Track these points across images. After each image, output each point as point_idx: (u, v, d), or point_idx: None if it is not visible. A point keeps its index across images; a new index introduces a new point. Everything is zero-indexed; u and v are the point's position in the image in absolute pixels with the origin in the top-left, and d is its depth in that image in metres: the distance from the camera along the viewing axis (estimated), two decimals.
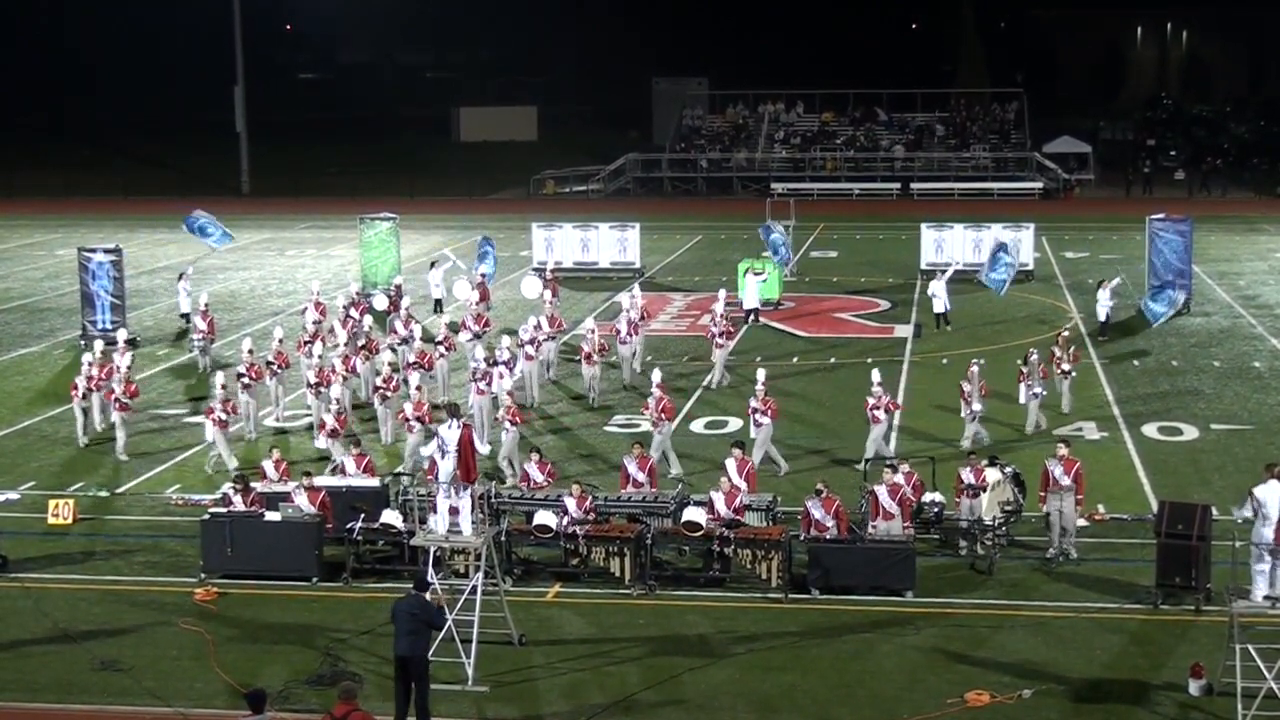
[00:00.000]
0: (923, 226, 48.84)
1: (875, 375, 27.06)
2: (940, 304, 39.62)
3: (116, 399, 28.26)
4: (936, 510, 22.62)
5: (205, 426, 27.56)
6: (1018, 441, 28.06)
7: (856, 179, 78.21)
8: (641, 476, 23.10)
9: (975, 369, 28.04)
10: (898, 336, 39.15)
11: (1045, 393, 29.07)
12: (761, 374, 27.43)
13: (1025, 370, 29.01)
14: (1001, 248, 39.27)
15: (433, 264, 43.48)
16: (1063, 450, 22.26)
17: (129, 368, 29.70)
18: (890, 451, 26.42)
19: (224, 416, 27.03)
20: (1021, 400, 29.04)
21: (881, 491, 21.45)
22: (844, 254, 55.25)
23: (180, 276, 41.38)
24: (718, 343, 33.03)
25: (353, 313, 35.59)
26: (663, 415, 26.23)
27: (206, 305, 35.96)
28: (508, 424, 26.23)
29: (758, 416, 26.23)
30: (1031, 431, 28.61)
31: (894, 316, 41.84)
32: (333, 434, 26.82)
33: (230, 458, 27.12)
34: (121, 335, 32.74)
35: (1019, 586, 21.04)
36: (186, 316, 39.49)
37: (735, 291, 41.27)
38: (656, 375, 27.55)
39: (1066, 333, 31.72)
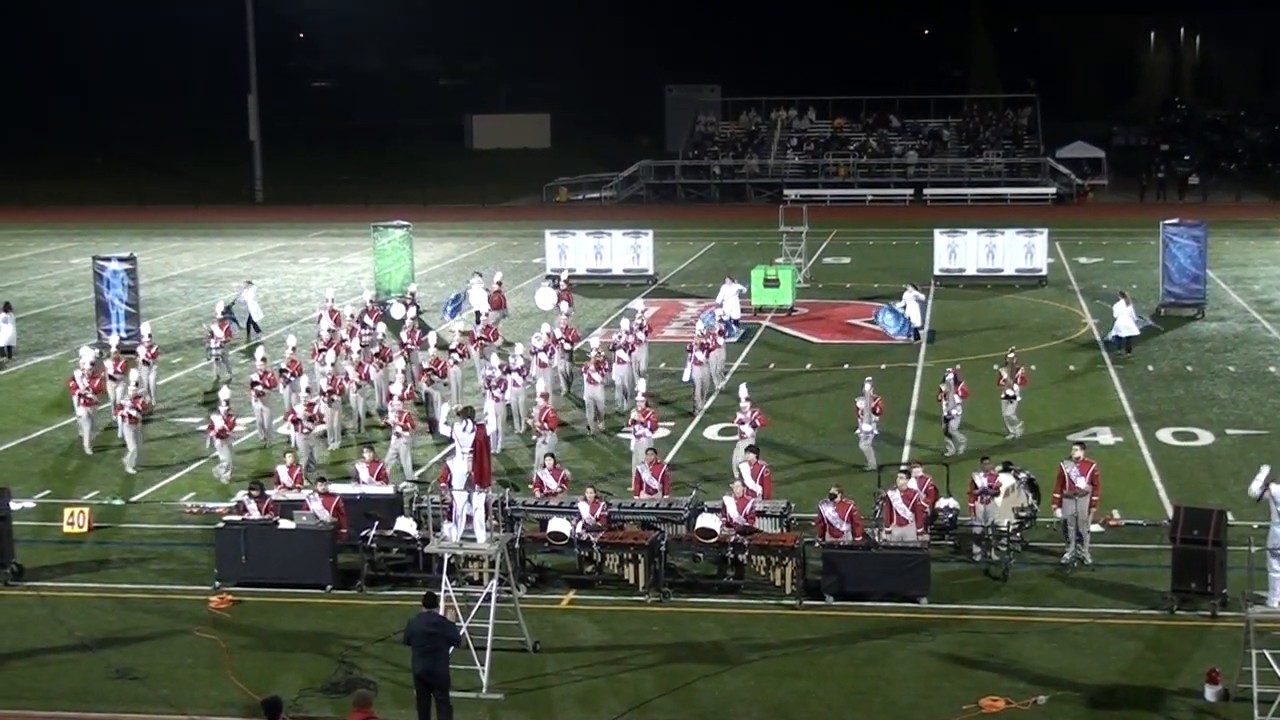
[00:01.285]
0: (936, 232, 48.80)
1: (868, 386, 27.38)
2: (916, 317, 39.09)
3: (126, 413, 28.15)
4: (951, 516, 22.58)
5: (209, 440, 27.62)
6: (1030, 445, 27.97)
7: (869, 185, 78.17)
8: (655, 483, 23.09)
9: (951, 375, 28.37)
10: (910, 343, 39.06)
11: (959, 414, 27.99)
12: (744, 389, 27.16)
13: (943, 389, 28.04)
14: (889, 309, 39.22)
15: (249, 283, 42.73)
16: (1079, 452, 22.19)
17: (137, 382, 29.59)
18: (873, 460, 26.37)
19: (223, 427, 27.12)
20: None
21: (895, 497, 21.41)
22: (857, 260, 55.21)
23: (249, 284, 41.30)
24: (695, 358, 31.76)
25: (367, 320, 35.68)
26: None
27: (226, 311, 35.94)
28: (540, 428, 26.41)
29: (744, 429, 26.09)
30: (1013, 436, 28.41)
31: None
32: (295, 422, 26.98)
33: (226, 471, 27.17)
34: (141, 349, 32.68)
35: (1034, 592, 21.00)
36: (252, 324, 39.73)
37: (747, 297, 41.17)
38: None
39: (1013, 354, 30.14)
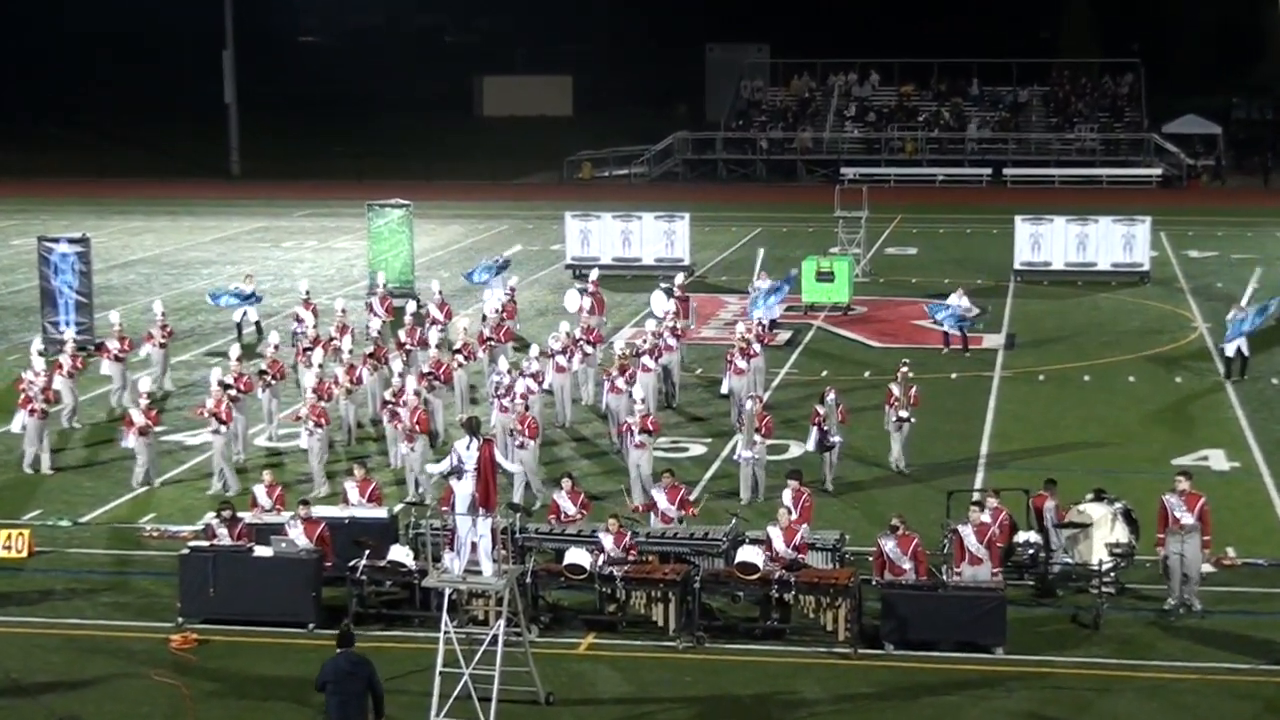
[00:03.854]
0: (1017, 220, 48.65)
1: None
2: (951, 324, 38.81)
3: (138, 426, 27.95)
4: (1031, 552, 22.47)
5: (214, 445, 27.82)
6: (1130, 469, 27.83)
7: (940, 163, 77.97)
8: (672, 510, 23.03)
9: (905, 369, 28.73)
10: (986, 348, 38.96)
11: (842, 440, 27.83)
12: (749, 404, 27.39)
13: (820, 411, 27.67)
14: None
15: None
16: (1184, 484, 22.05)
17: (150, 393, 29.54)
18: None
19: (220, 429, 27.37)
20: (809, 445, 27.76)
21: (967, 530, 21.32)
22: (924, 251, 55.07)
23: (247, 278, 41.26)
24: (735, 366, 31.52)
25: (378, 309, 35.94)
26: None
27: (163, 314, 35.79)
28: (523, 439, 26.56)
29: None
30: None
31: (983, 325, 41.61)
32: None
33: (231, 478, 27.37)
34: (113, 341, 33.00)
35: (1131, 643, 20.86)
36: (258, 325, 39.79)
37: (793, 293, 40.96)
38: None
39: (905, 367, 29.50)
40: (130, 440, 28.18)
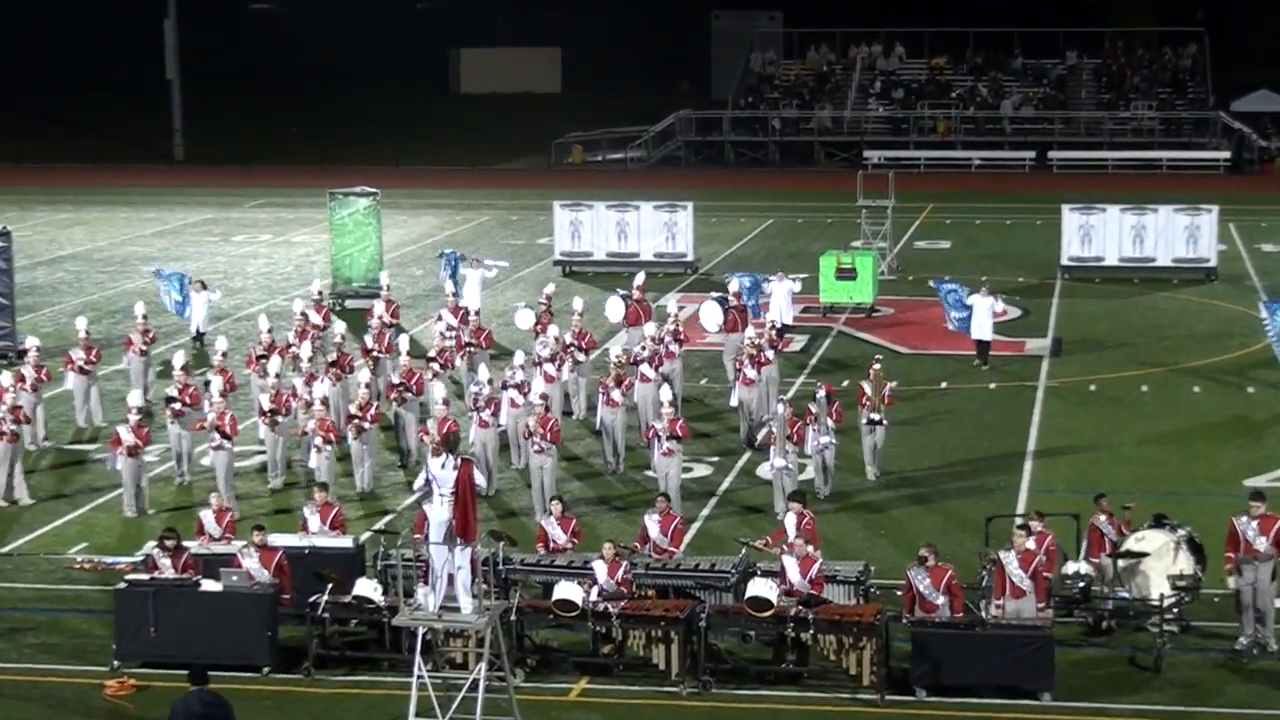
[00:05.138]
0: (1065, 209, 48.63)
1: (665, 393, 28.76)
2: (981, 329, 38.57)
3: (126, 445, 27.77)
4: (1083, 585, 22.47)
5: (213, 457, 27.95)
6: (1194, 489, 27.84)
7: (977, 146, 77.96)
8: (664, 540, 23.07)
9: (877, 367, 29.43)
10: (1029, 354, 38.98)
11: (834, 442, 28.26)
12: (667, 391, 28.85)
13: (812, 410, 28.09)
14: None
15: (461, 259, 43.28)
16: (1259, 507, 22.08)
17: (139, 408, 28.87)
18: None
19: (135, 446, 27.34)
20: (808, 449, 27.99)
21: (1009, 560, 21.31)
22: (959, 245, 55.11)
23: (203, 286, 41.02)
24: (745, 375, 31.56)
25: (314, 318, 35.73)
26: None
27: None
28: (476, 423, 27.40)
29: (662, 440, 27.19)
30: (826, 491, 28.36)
31: (1026, 328, 41.67)
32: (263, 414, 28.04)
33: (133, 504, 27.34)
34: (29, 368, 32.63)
35: (1197, 688, 20.88)
36: (201, 336, 39.66)
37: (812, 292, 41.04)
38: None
39: (878, 365, 30.01)
40: (119, 463, 28.09)
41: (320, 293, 38.80)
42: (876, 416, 29.10)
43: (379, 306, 36.66)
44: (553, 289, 38.49)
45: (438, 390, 29.43)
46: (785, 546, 22.04)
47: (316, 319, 36.02)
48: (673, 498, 26.50)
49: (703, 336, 39.74)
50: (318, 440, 27.85)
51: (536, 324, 34.46)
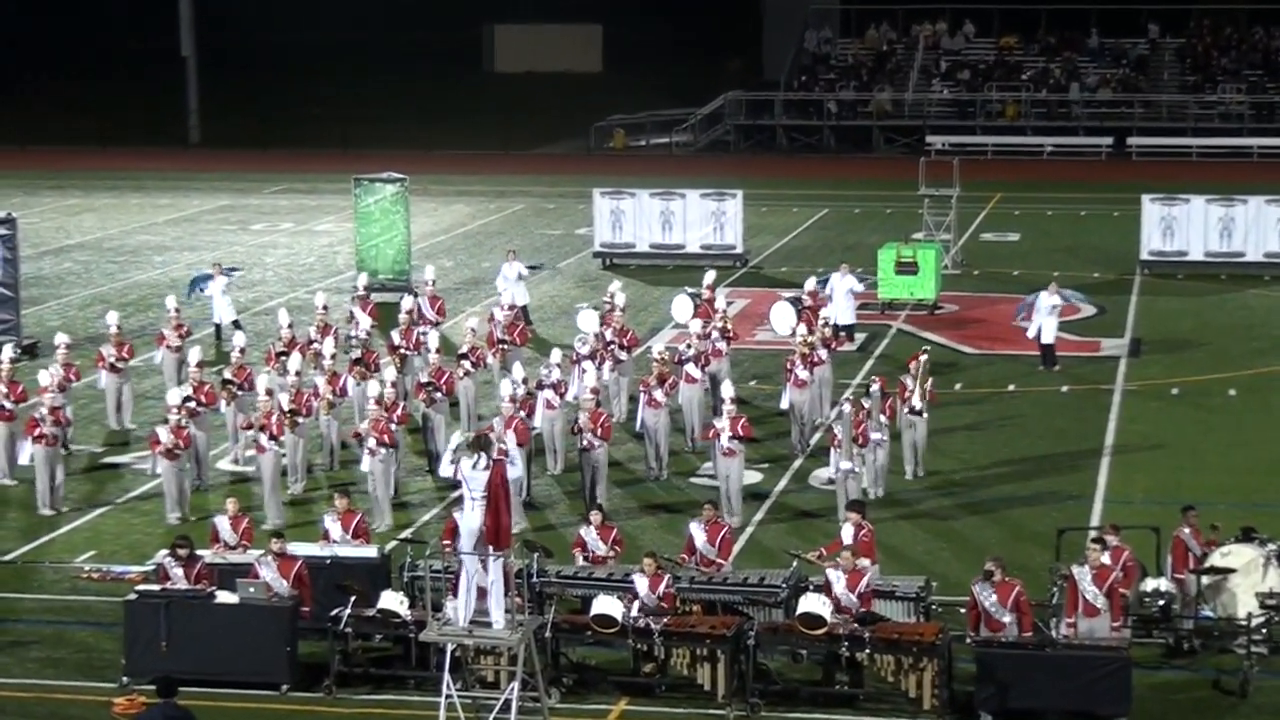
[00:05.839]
0: (1145, 199, 48.45)
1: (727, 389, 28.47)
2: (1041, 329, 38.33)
3: (164, 446, 27.93)
4: (1162, 603, 22.38)
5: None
6: (1274, 504, 27.71)
7: (1049, 131, 77.71)
8: (711, 551, 23.05)
9: (924, 358, 29.80)
10: (1105, 355, 38.86)
11: (885, 439, 28.42)
12: (728, 387, 28.47)
13: (865, 406, 28.18)
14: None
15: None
16: None
17: (178, 407, 28.69)
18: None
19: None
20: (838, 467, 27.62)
21: (1083, 576, 21.23)
22: (1029, 237, 54.96)
23: (220, 270, 41.10)
24: (796, 377, 31.31)
25: (360, 316, 35.55)
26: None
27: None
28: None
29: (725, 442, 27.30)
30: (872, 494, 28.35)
31: (1101, 327, 41.52)
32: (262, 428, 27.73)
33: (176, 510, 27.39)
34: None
35: None
36: (235, 323, 39.63)
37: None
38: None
39: (925, 354, 30.31)
40: (159, 466, 28.24)
41: (366, 288, 38.53)
42: (919, 405, 29.18)
43: (407, 301, 36.65)
44: (618, 287, 37.20)
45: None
46: (837, 560, 22.02)
47: (363, 317, 35.51)
48: (734, 501, 27.06)
49: (751, 334, 39.78)
50: (371, 442, 27.72)
51: (601, 324, 34.00)
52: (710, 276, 38.31)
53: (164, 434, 27.87)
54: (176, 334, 34.88)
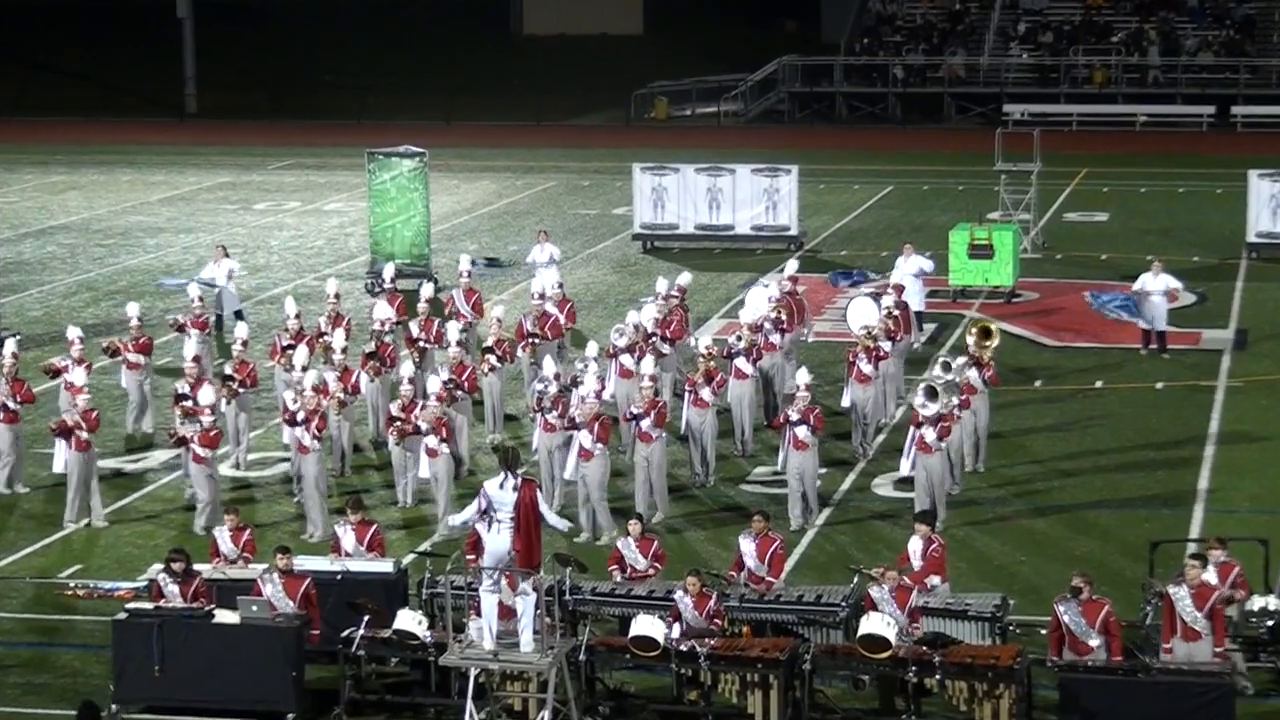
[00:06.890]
0: (1251, 175, 48.29)
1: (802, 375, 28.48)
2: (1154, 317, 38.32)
3: (194, 450, 28.10)
4: (1271, 624, 22.29)
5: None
6: None
7: (1142, 99, 77.56)
8: (761, 567, 23.02)
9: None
10: (1207, 348, 38.74)
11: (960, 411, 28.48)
12: (804, 372, 28.53)
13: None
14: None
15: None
16: None
17: (211, 406, 28.94)
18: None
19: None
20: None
21: (1181, 594, 21.14)
22: (1119, 217, 54.86)
23: (224, 253, 41.18)
24: (859, 371, 31.30)
25: (383, 310, 35.46)
26: None
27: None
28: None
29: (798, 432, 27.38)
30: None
31: (1202, 316, 41.41)
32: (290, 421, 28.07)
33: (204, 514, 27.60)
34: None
35: None
36: (237, 313, 39.67)
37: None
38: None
39: (979, 312, 31.29)
40: (191, 470, 28.39)
41: (393, 280, 37.99)
42: (975, 376, 29.28)
43: (427, 288, 36.64)
44: (688, 280, 36.94)
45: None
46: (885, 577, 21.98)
47: (385, 309, 35.18)
48: (811, 499, 27.28)
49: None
50: (432, 440, 27.70)
51: (668, 319, 33.81)
52: (793, 266, 37.92)
53: (193, 433, 27.96)
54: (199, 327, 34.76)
